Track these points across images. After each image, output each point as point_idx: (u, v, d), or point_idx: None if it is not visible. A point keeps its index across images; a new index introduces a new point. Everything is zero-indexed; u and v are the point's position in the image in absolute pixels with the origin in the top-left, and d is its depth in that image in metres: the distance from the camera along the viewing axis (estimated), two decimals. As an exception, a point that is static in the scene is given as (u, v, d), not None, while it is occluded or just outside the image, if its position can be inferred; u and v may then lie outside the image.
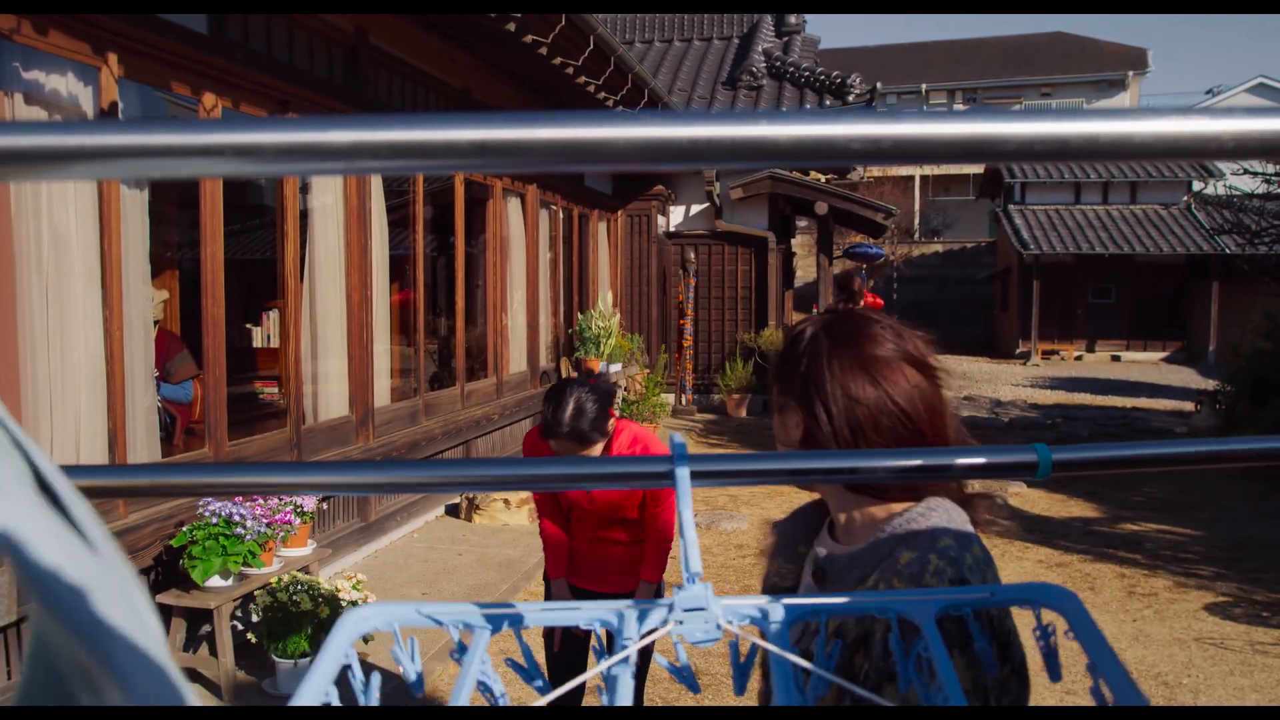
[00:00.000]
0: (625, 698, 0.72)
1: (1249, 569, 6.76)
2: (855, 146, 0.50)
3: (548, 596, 3.59)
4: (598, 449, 3.17)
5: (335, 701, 0.72)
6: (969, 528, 1.25)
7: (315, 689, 0.69)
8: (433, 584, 6.11)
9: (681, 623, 0.75)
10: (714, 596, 0.77)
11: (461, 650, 0.78)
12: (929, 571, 1.18)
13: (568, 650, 3.41)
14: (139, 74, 4.64)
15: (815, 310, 15.00)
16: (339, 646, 0.72)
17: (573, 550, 3.45)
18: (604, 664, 0.76)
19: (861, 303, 1.43)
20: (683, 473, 0.82)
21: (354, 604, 4.64)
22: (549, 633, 3.43)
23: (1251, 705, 4.58)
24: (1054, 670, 1.03)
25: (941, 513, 1.25)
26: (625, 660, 0.78)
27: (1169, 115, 0.52)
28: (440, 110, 7.68)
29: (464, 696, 0.72)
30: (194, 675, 4.57)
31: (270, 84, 5.53)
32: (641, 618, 0.80)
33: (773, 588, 1.45)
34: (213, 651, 4.48)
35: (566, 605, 0.82)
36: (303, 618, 4.38)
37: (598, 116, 0.49)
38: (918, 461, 0.96)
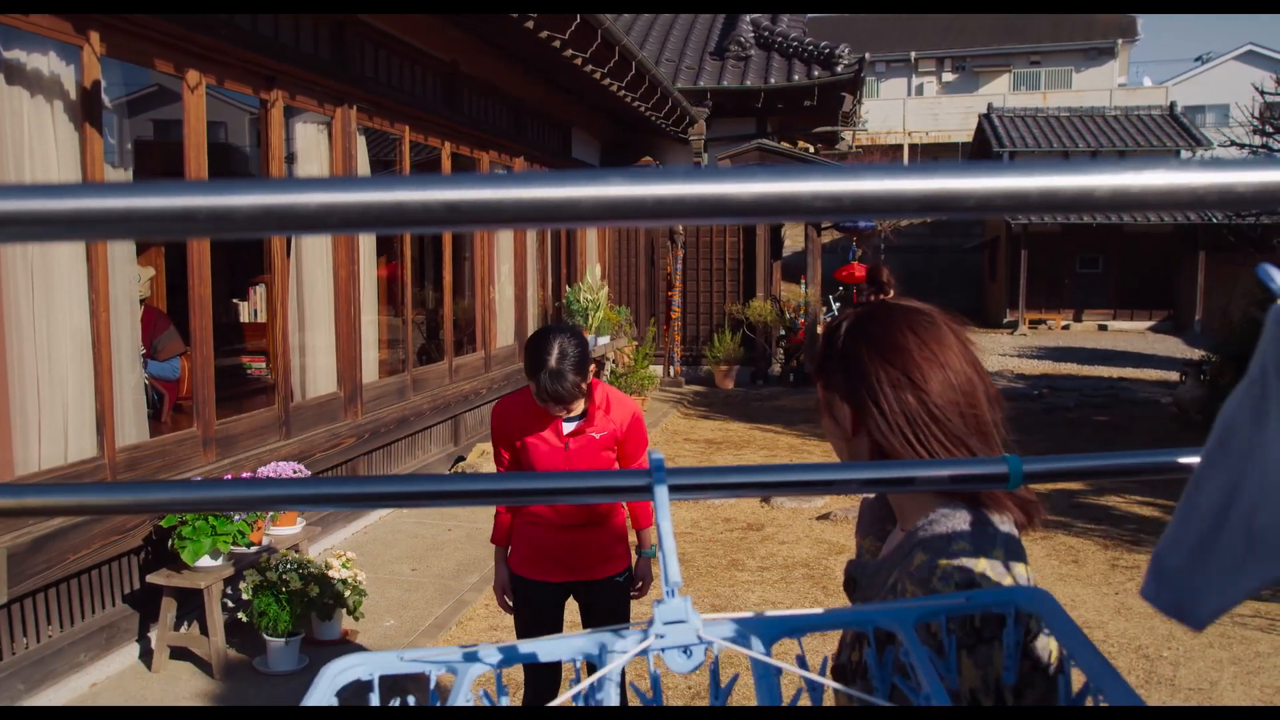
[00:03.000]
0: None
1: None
2: (818, 204, 0.52)
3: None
4: (579, 405, 3.16)
5: None
6: (1002, 529, 1.25)
7: None
8: (421, 560, 6.14)
9: (662, 636, 0.77)
10: (694, 611, 0.79)
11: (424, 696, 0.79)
12: (936, 576, 1.19)
13: (540, 622, 3.29)
14: (121, 52, 4.60)
15: (803, 281, 14.96)
16: (320, 698, 0.74)
17: (545, 542, 3.23)
18: (584, 683, 0.77)
19: (892, 293, 1.40)
20: (661, 488, 0.84)
21: (344, 581, 4.67)
22: (518, 604, 3.30)
23: (1230, 676, 4.65)
24: (1010, 671, 1.06)
25: (964, 517, 1.25)
26: (607, 682, 0.80)
27: (1127, 170, 0.54)
28: (428, 84, 7.64)
29: None
30: (185, 654, 4.59)
31: (255, 60, 5.48)
32: (627, 645, 0.81)
33: (864, 565, 1.46)
34: (204, 630, 4.50)
35: (548, 641, 0.83)
36: (293, 596, 4.41)
37: (567, 177, 0.50)
38: (890, 474, 0.98)
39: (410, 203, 0.49)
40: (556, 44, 7.77)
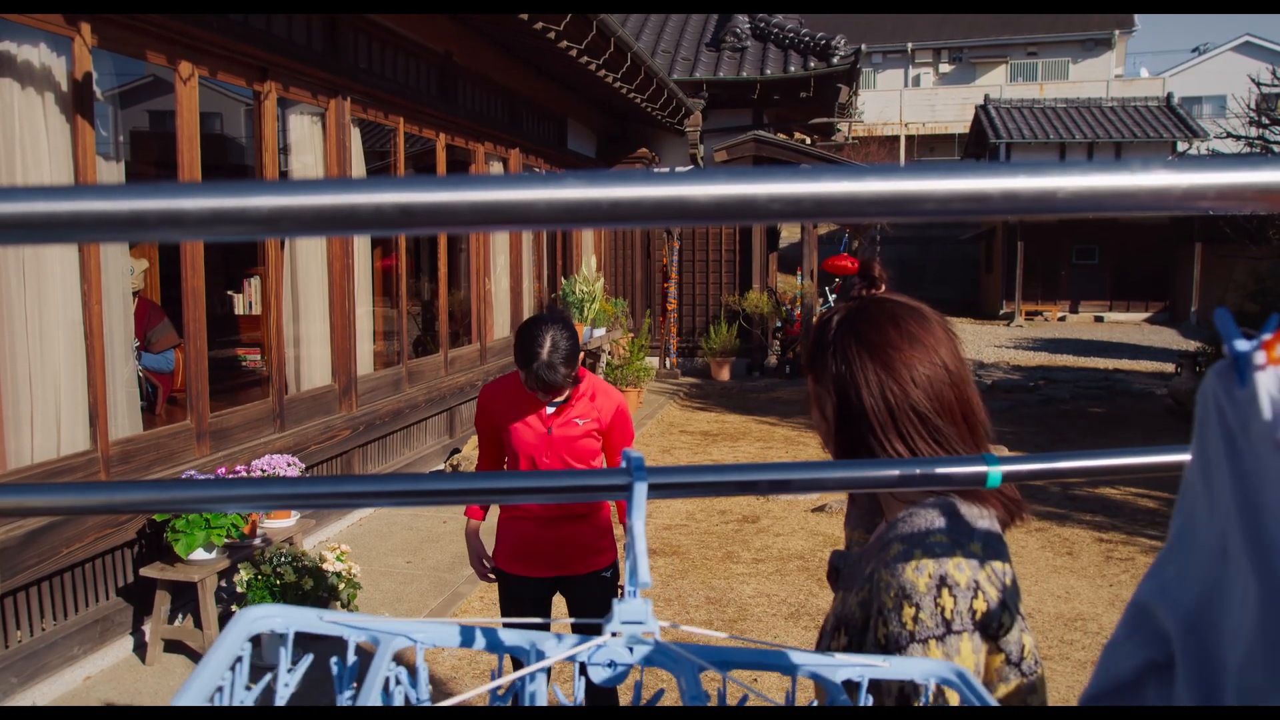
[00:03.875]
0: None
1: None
2: (776, 206, 0.51)
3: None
4: (569, 382, 3.14)
5: (226, 688, 0.72)
6: (980, 525, 1.26)
7: (205, 683, 0.70)
8: (416, 552, 6.14)
9: (615, 634, 0.76)
10: (653, 616, 0.79)
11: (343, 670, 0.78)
12: (910, 566, 1.21)
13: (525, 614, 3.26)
14: (113, 44, 4.58)
15: (799, 273, 14.94)
16: (233, 641, 0.73)
17: (530, 537, 3.19)
18: (507, 679, 0.77)
19: (883, 288, 1.42)
20: (640, 487, 0.83)
21: (338, 575, 4.67)
22: (502, 591, 3.29)
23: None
24: None
25: (943, 511, 1.27)
26: (539, 676, 0.79)
27: (1088, 171, 0.53)
28: (422, 75, 7.62)
29: (370, 702, 0.72)
30: (179, 647, 4.60)
31: (248, 52, 5.46)
32: (563, 641, 0.81)
33: (847, 555, 1.48)
34: (198, 623, 4.50)
35: (479, 627, 0.82)
36: (287, 589, 4.41)
37: (522, 180, 0.50)
38: (870, 473, 0.97)
39: (363, 206, 0.49)
40: (551, 35, 7.74)
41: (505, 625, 0.84)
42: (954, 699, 1.11)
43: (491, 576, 3.34)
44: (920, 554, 1.22)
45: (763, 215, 0.51)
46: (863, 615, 1.27)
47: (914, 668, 0.94)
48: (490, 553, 3.33)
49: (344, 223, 0.49)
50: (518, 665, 3.20)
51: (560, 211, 0.50)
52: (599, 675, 0.73)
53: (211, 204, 0.48)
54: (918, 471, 0.94)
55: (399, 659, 0.82)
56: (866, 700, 0.90)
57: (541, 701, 0.76)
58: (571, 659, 0.74)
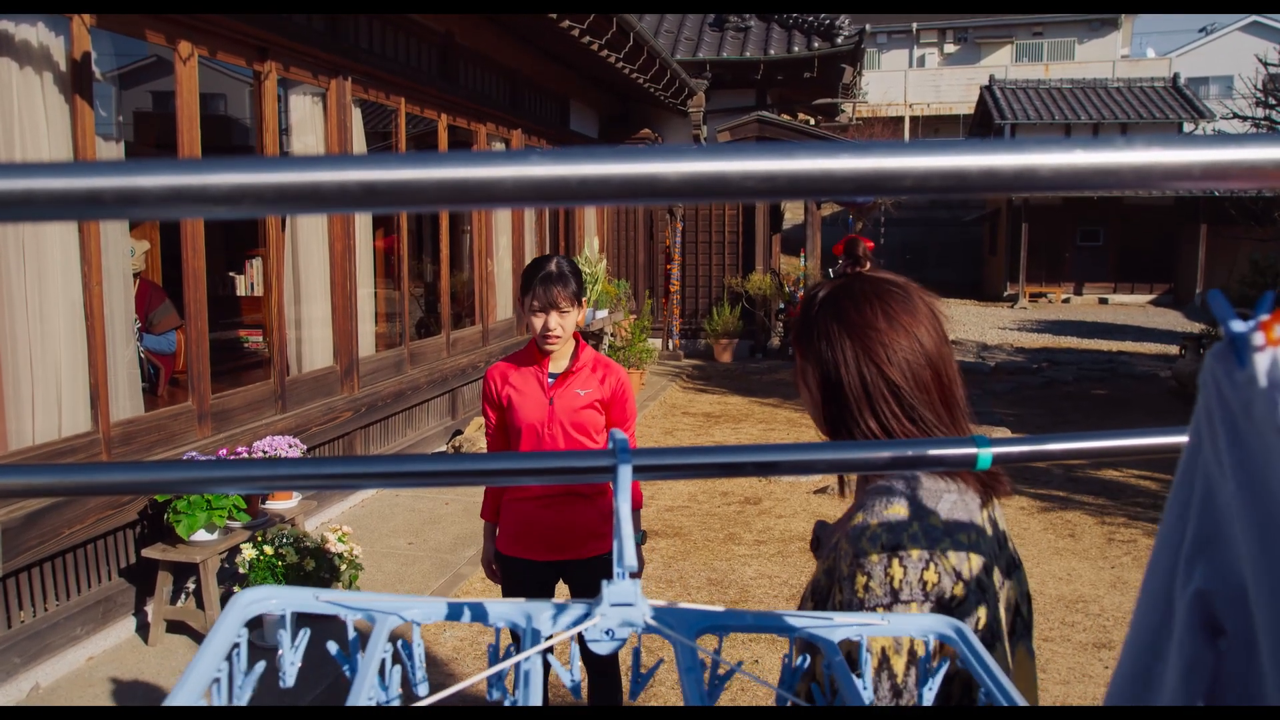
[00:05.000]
0: (535, 697, 0.73)
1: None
2: (750, 184, 0.50)
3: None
4: (566, 351, 3.16)
5: (224, 678, 0.72)
6: (945, 499, 1.27)
7: (205, 668, 0.70)
8: (418, 534, 6.15)
9: (605, 616, 0.76)
10: (642, 595, 0.78)
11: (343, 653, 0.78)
12: (865, 536, 1.24)
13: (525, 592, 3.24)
14: (112, 23, 4.56)
15: (802, 254, 14.91)
16: (229, 626, 0.73)
17: (532, 520, 3.16)
18: (510, 661, 0.76)
19: (868, 265, 1.43)
20: (624, 469, 0.83)
21: (340, 556, 4.68)
22: (504, 575, 3.27)
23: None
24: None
25: (910, 482, 1.28)
26: (541, 655, 0.79)
27: (1071, 149, 0.52)
28: (423, 55, 7.58)
29: (366, 686, 0.72)
30: (181, 627, 4.61)
31: (247, 31, 5.43)
32: (557, 615, 0.81)
33: (825, 525, 1.51)
34: (200, 604, 4.52)
35: (474, 604, 0.82)
36: (289, 570, 4.42)
37: (488, 158, 0.49)
38: (857, 454, 0.96)
39: (326, 183, 0.48)
40: (553, 15, 7.71)
41: (498, 603, 0.83)
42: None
43: (497, 573, 3.32)
44: (877, 524, 1.24)
45: (736, 193, 0.50)
46: (828, 583, 1.30)
47: (910, 624, 0.94)
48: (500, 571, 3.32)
49: (307, 201, 0.48)
50: (518, 643, 3.20)
51: (527, 189, 0.49)
52: (597, 646, 0.73)
53: (169, 182, 0.47)
54: (907, 453, 0.93)
55: (397, 637, 0.82)
56: (866, 658, 0.90)
57: (537, 678, 0.76)
58: (576, 629, 0.74)
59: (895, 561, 1.20)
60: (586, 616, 0.74)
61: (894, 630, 0.93)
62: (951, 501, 1.27)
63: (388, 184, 0.48)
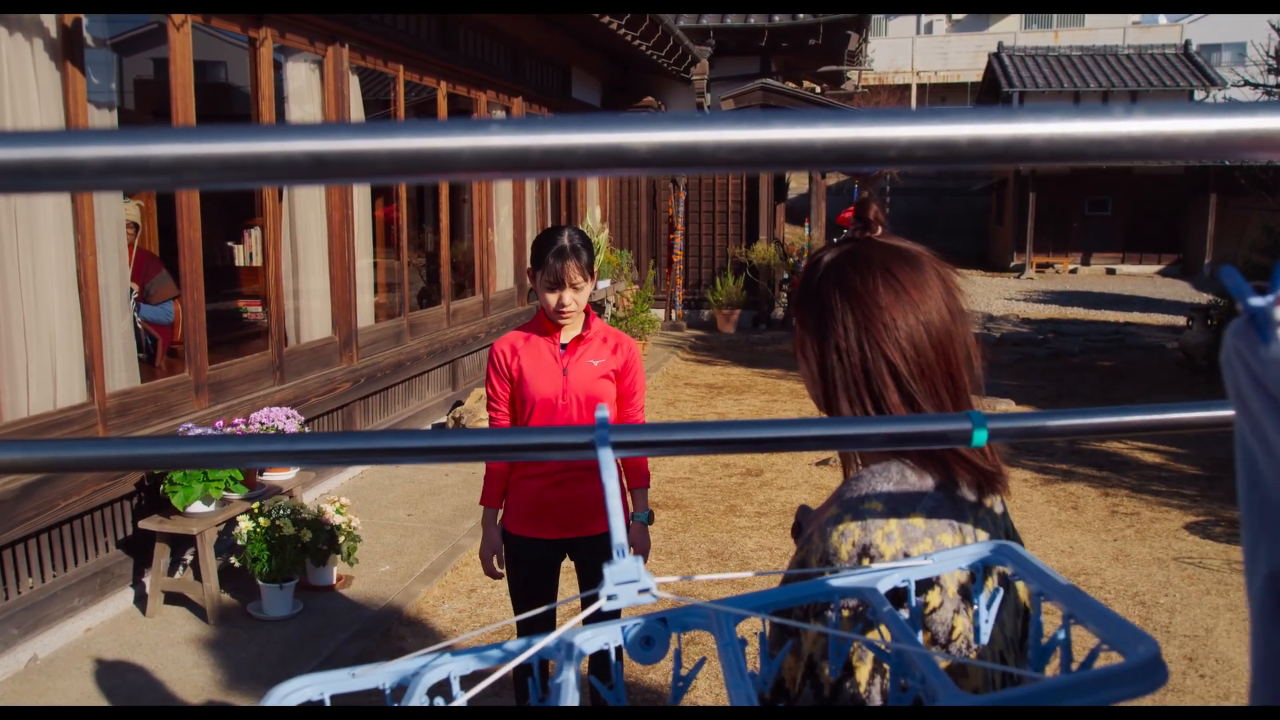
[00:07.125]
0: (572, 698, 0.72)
1: (1231, 487, 6.81)
2: (722, 155, 0.48)
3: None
4: (578, 321, 3.13)
5: None
6: (929, 496, 1.19)
7: None
8: (417, 505, 6.15)
9: (613, 597, 0.74)
10: (645, 570, 0.76)
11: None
12: (837, 532, 1.17)
13: (534, 582, 3.20)
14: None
15: (806, 224, 14.83)
16: None
17: (540, 497, 3.11)
18: (520, 658, 0.75)
19: (880, 230, 1.34)
20: (605, 450, 0.81)
21: (338, 528, 4.68)
22: (511, 563, 3.20)
23: (1225, 623, 4.65)
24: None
25: (891, 477, 1.21)
26: (567, 670, 0.77)
27: (1065, 117, 0.49)
28: (422, 22, 7.50)
29: None
30: (179, 599, 4.62)
31: (242, -2, 5.38)
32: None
33: (807, 511, 1.46)
34: (197, 576, 4.52)
35: (504, 647, 0.81)
36: (286, 542, 4.41)
37: (445, 127, 0.46)
38: (846, 430, 0.94)
39: (272, 155, 0.45)
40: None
41: (532, 640, 0.82)
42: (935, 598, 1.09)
43: (500, 572, 3.23)
44: (849, 519, 1.17)
45: (708, 164, 0.47)
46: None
47: (960, 555, 0.93)
48: (503, 554, 3.25)
49: (252, 172, 0.45)
50: (521, 625, 3.18)
51: (487, 160, 0.46)
52: (639, 656, 0.72)
53: (107, 152, 0.44)
54: (900, 430, 0.90)
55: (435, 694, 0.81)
56: (915, 602, 0.91)
57: (571, 691, 0.74)
58: (606, 646, 0.73)
59: (865, 561, 1.13)
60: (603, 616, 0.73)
61: (944, 567, 0.92)
62: (935, 500, 1.19)
63: (338, 155, 0.45)
